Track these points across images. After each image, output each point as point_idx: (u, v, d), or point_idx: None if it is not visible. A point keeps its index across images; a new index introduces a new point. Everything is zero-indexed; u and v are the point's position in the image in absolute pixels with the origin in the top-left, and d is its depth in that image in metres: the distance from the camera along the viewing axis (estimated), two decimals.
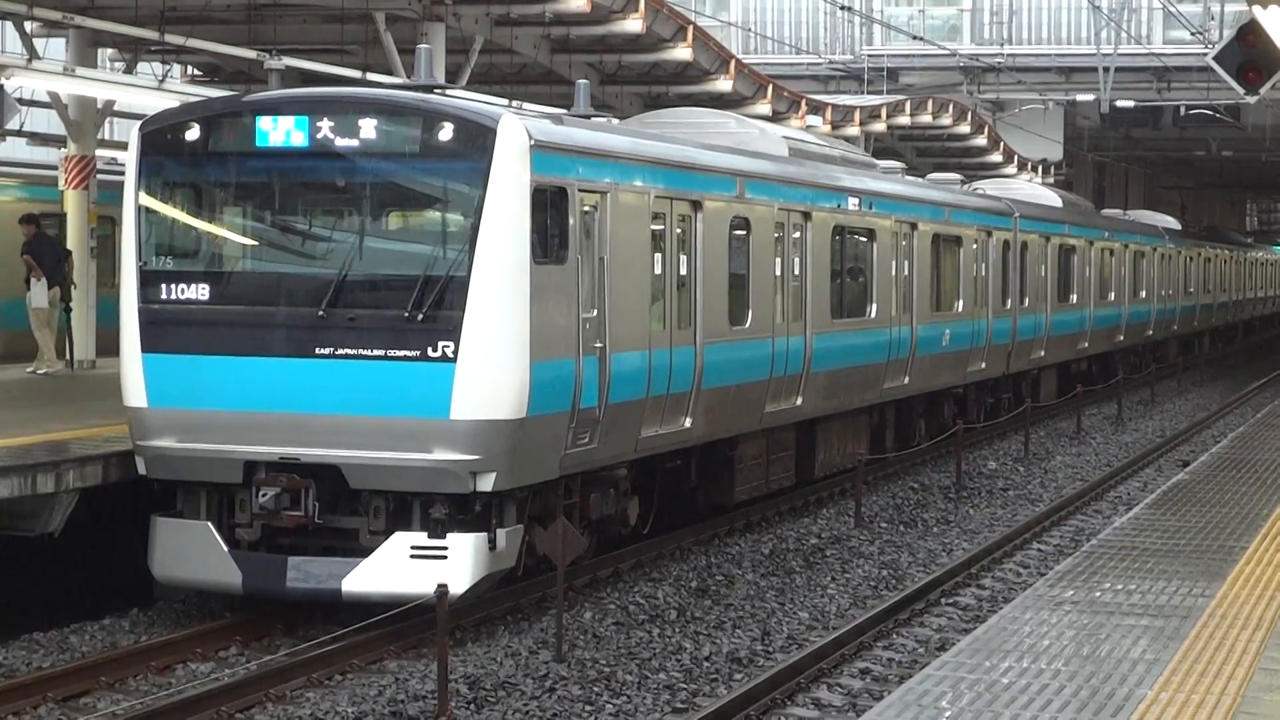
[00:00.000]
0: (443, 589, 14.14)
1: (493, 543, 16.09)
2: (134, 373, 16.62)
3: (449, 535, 15.94)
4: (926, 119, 44.76)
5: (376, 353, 16.00)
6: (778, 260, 22.30)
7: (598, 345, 17.35)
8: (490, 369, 15.90)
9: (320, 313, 16.14)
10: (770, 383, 21.95)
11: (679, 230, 19.54)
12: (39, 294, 26.02)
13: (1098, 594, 14.45)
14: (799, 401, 22.93)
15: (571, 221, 16.90)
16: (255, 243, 16.80)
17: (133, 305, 16.71)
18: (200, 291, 16.56)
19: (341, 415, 16.02)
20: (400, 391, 15.91)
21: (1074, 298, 39.84)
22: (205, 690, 13.94)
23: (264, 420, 16.18)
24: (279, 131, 16.43)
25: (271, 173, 16.64)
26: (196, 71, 32.41)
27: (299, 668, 14.82)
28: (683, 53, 30.36)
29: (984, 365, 32.30)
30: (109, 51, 29.54)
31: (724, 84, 32.58)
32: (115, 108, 29.30)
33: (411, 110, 16.42)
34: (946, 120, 45.88)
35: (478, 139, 16.11)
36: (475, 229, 15.97)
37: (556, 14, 26.82)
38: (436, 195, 16.60)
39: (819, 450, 24.58)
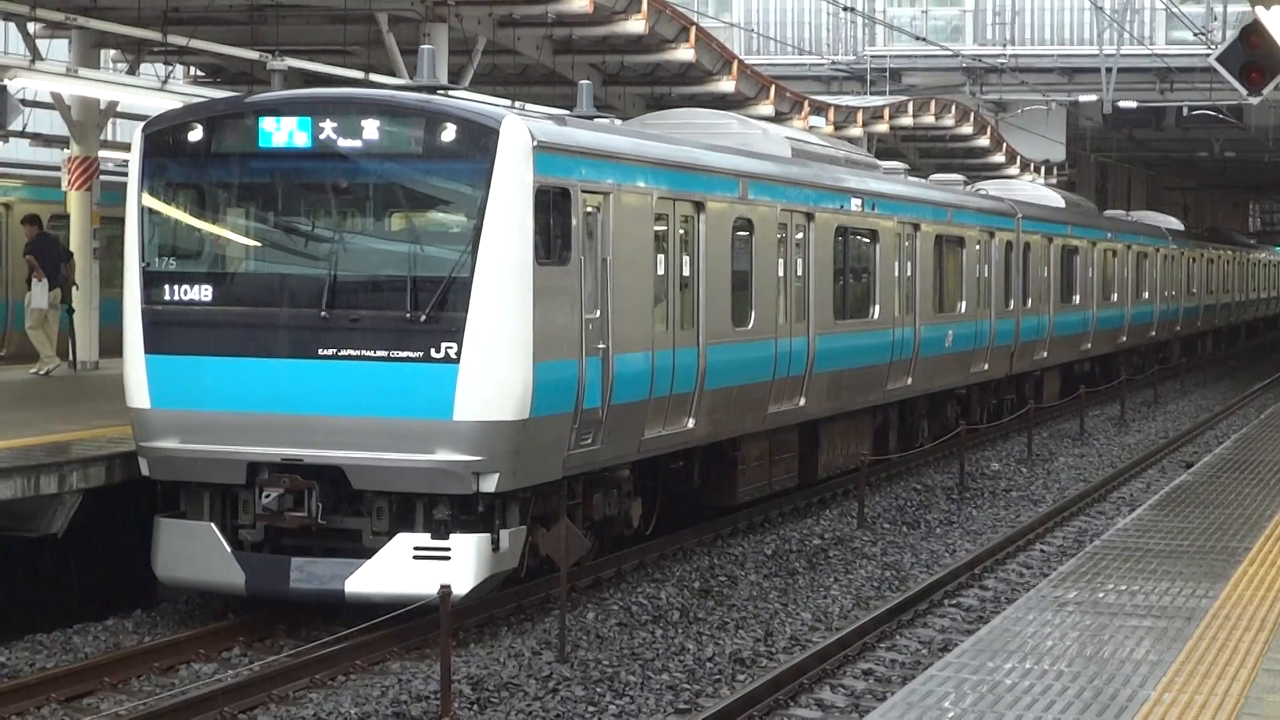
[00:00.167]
0: (446, 590, 14.15)
1: (496, 544, 16.09)
2: (137, 374, 16.62)
3: (452, 536, 15.95)
4: (929, 120, 44.75)
5: (379, 354, 16.00)
6: (781, 261, 22.30)
7: (601, 346, 17.36)
8: (493, 370, 15.90)
9: (323, 314, 16.14)
10: (773, 384, 21.95)
11: (682, 231, 19.54)
12: (39, 294, 26.04)
13: (1101, 595, 14.45)
14: (802, 402, 22.93)
15: (574, 222, 16.90)
16: (258, 244, 16.80)
17: (136, 306, 16.71)
18: (203, 292, 16.56)
19: (344, 416, 16.02)
20: (403, 392, 15.91)
21: (1077, 299, 39.84)
22: (208, 691, 13.94)
23: (267, 421, 16.18)
24: (282, 132, 16.44)
25: (274, 174, 16.65)
26: (199, 72, 32.42)
27: (302, 668, 14.83)
28: (685, 53, 30.36)
29: (987, 366, 32.30)
30: (112, 52, 29.56)
31: (727, 85, 32.58)
32: (118, 109, 29.32)
33: (414, 111, 16.42)
34: (949, 121, 45.87)
35: (480, 140, 16.11)
36: (478, 230, 15.97)
37: (559, 15, 26.82)
38: (439, 196, 16.61)
39: (822, 451, 24.58)
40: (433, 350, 15.89)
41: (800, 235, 23.06)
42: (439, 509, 16.05)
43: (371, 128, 16.27)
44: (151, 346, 16.60)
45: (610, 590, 18.55)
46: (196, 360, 16.45)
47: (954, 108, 46.28)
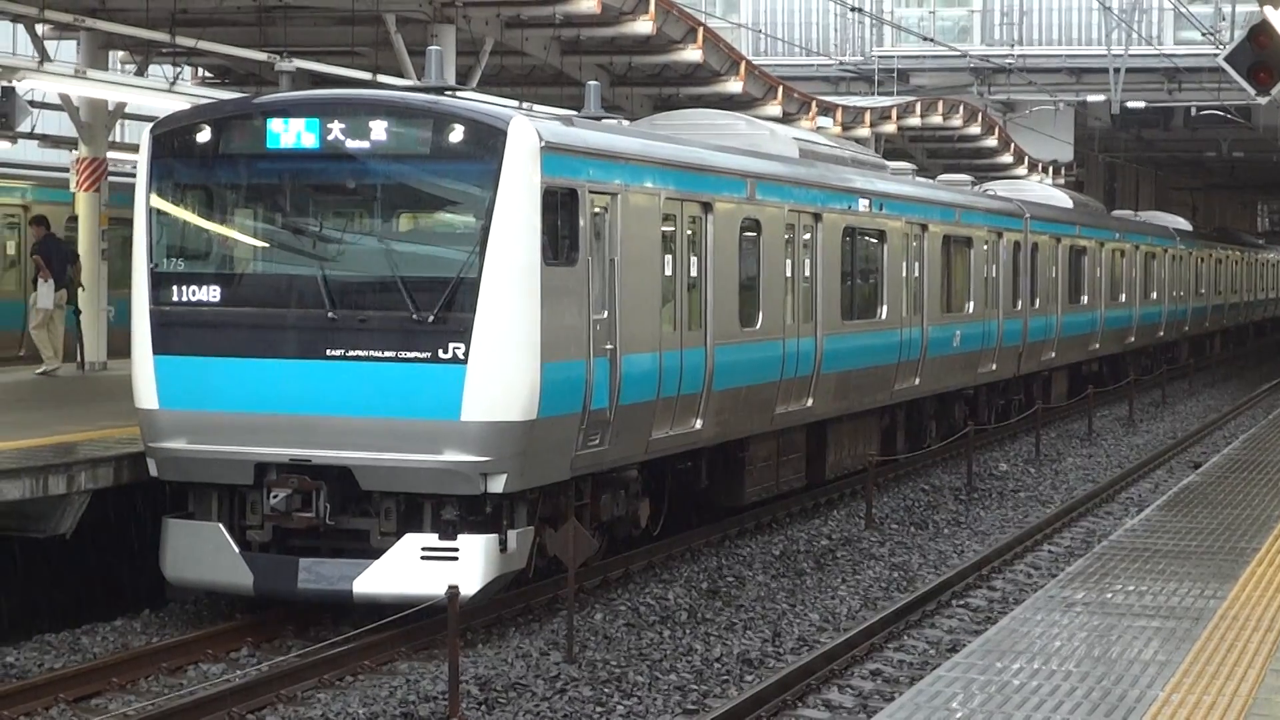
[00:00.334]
0: (454, 590, 14.16)
1: (504, 544, 16.10)
2: (145, 374, 16.64)
3: (460, 537, 15.95)
4: (937, 120, 44.75)
5: (387, 354, 16.01)
6: (788, 262, 22.30)
7: (608, 347, 17.36)
8: (501, 370, 15.91)
9: (331, 314, 16.15)
10: (781, 384, 21.95)
11: (689, 232, 19.54)
12: (45, 295, 26.07)
13: (1109, 595, 14.44)
14: (810, 403, 22.93)
15: (582, 223, 16.90)
16: (266, 244, 16.80)
17: (144, 307, 16.73)
18: (211, 293, 16.57)
19: (352, 417, 16.03)
20: (411, 393, 15.92)
21: (1085, 299, 39.81)
22: (217, 691, 13.95)
23: (275, 422, 16.19)
24: (290, 133, 16.45)
25: (282, 175, 16.66)
26: (207, 74, 32.44)
27: (310, 669, 14.84)
28: (693, 54, 30.36)
29: (995, 366, 32.28)
30: (120, 54, 29.57)
31: (734, 85, 32.58)
32: (126, 110, 29.36)
33: (422, 112, 16.43)
34: (957, 121, 45.87)
35: (488, 141, 16.12)
36: (486, 231, 15.98)
37: (567, 15, 26.83)
38: (447, 197, 16.62)
39: (830, 451, 24.58)
40: (440, 351, 15.90)
41: (808, 236, 23.05)
42: (447, 509, 16.06)
43: (379, 129, 16.28)
44: (160, 347, 16.61)
45: (618, 591, 18.55)
46: (205, 361, 16.46)
47: (962, 108, 46.27)
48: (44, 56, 24.91)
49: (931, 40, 48.20)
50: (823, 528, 23.14)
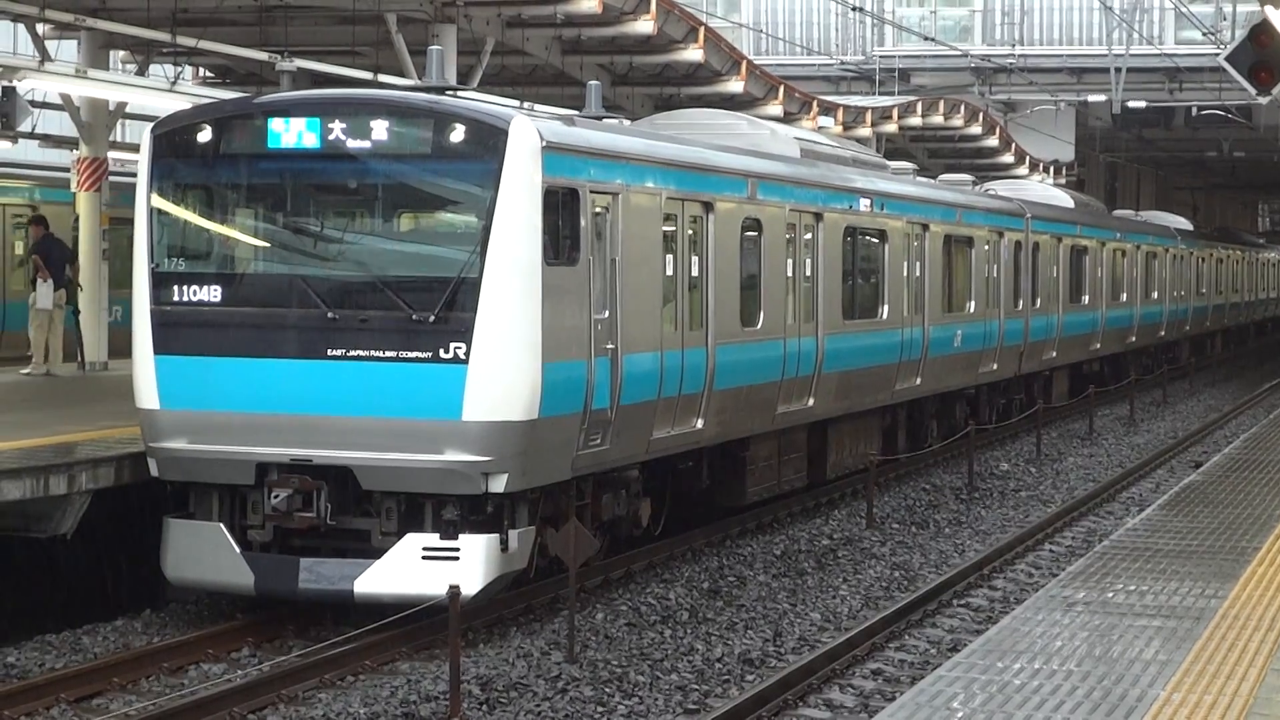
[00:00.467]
0: (455, 590, 14.15)
1: (505, 544, 16.10)
2: (146, 374, 16.64)
3: (461, 536, 15.95)
4: (938, 120, 44.76)
5: (388, 354, 16.01)
6: (789, 261, 22.30)
7: (609, 346, 17.35)
8: (502, 370, 15.90)
9: (331, 314, 16.15)
10: (782, 384, 21.95)
11: (691, 231, 19.54)
12: (44, 295, 26.07)
13: (1110, 595, 14.44)
14: (811, 402, 22.93)
15: (583, 223, 16.90)
16: (267, 244, 16.79)
17: (145, 307, 16.72)
18: (212, 293, 16.57)
19: (353, 417, 16.03)
20: (412, 393, 15.92)
21: (1086, 299, 39.81)
22: (217, 691, 13.95)
23: (276, 422, 16.19)
24: (290, 133, 16.44)
25: (283, 174, 16.66)
26: (208, 73, 32.45)
27: (311, 669, 14.84)
28: (694, 54, 30.37)
29: (996, 366, 32.28)
30: (121, 54, 29.58)
31: (735, 85, 32.60)
32: (127, 110, 29.35)
33: (423, 112, 16.43)
34: (958, 121, 45.88)
35: (489, 140, 16.11)
36: (487, 230, 15.97)
37: (568, 15, 26.83)
38: (448, 197, 16.62)
39: (831, 451, 24.58)
40: (441, 350, 15.90)
41: (809, 235, 23.05)
42: (448, 509, 16.05)
43: (380, 128, 16.28)
44: (161, 347, 16.61)
45: (619, 590, 18.55)
46: (206, 361, 16.46)
47: (963, 108, 46.29)
48: (45, 56, 24.92)
49: (932, 40, 48.20)
50: (824, 527, 23.14)
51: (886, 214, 26.11)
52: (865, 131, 40.38)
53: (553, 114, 20.47)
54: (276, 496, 16.08)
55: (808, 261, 22.96)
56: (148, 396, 16.61)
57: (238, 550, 16.30)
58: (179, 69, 31.01)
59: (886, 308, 26.06)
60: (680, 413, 19.10)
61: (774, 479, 22.60)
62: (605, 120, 19.79)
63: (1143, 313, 46.06)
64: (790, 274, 22.31)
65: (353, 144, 16.32)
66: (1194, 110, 58.43)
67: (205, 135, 16.71)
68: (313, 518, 16.09)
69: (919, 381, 27.55)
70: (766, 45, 53.95)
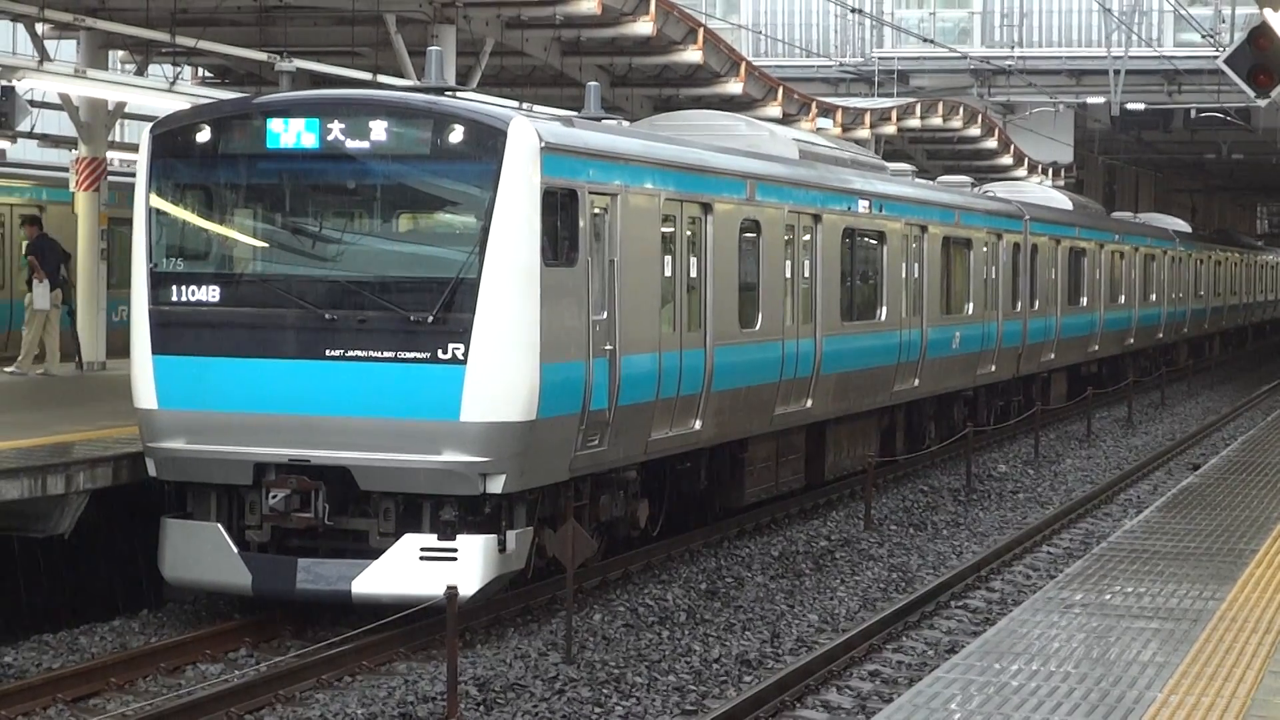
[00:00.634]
0: (452, 591, 14.15)
1: (502, 544, 16.09)
2: (144, 374, 16.64)
3: (459, 537, 15.95)
4: (937, 122, 44.77)
5: (386, 354, 16.01)
6: (788, 263, 22.30)
7: (608, 347, 17.36)
8: (500, 371, 15.90)
9: (330, 314, 16.15)
10: (780, 385, 21.95)
11: (689, 232, 19.54)
12: (41, 296, 26.07)
13: (1107, 597, 14.44)
14: (809, 404, 22.93)
15: (582, 224, 16.90)
16: (265, 245, 16.79)
17: (143, 307, 16.72)
18: (210, 293, 16.57)
19: (351, 417, 16.03)
20: (410, 393, 15.92)
21: (1084, 300, 39.82)
22: (215, 691, 13.95)
23: (274, 422, 16.19)
24: (289, 134, 16.44)
25: (282, 175, 16.66)
26: (207, 73, 32.46)
27: (309, 669, 14.83)
28: (693, 55, 30.39)
29: (994, 368, 32.29)
30: (120, 53, 29.59)
31: (734, 86, 32.60)
32: (126, 110, 29.36)
33: (422, 112, 16.43)
34: (957, 123, 45.89)
35: (488, 141, 16.11)
36: (486, 231, 15.98)
37: (567, 16, 26.84)
38: (447, 197, 16.62)
39: (829, 452, 24.58)
40: (440, 351, 15.90)
41: (807, 237, 23.06)
42: (446, 510, 16.05)
43: (379, 129, 16.28)
44: (159, 347, 16.61)
45: (617, 591, 18.55)
46: (204, 361, 16.46)
47: (962, 110, 46.29)
48: (44, 56, 24.93)
49: (931, 42, 48.22)
50: (821, 529, 23.14)
51: (885, 215, 26.11)
52: (864, 133, 40.39)
53: (552, 115, 20.47)
54: (274, 497, 16.09)
55: (806, 263, 22.97)
56: (146, 396, 16.60)
57: (235, 550, 16.30)
58: (178, 69, 31.01)
59: (885, 309, 26.07)
60: (678, 414, 19.11)
61: (772, 480, 22.60)
62: (604, 121, 19.79)
63: (1141, 315, 46.07)
64: (789, 275, 22.31)
65: (352, 144, 16.32)
66: (1193, 113, 58.46)
67: (204, 135, 16.71)
68: (310, 518, 16.08)
69: (917, 383, 27.56)
70: (765, 47, 53.98)
